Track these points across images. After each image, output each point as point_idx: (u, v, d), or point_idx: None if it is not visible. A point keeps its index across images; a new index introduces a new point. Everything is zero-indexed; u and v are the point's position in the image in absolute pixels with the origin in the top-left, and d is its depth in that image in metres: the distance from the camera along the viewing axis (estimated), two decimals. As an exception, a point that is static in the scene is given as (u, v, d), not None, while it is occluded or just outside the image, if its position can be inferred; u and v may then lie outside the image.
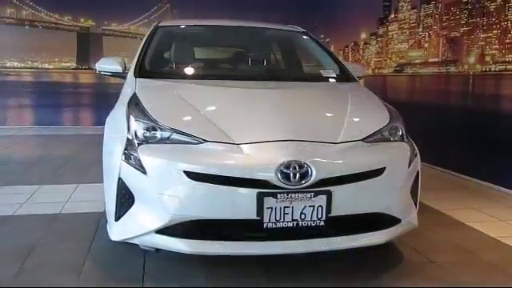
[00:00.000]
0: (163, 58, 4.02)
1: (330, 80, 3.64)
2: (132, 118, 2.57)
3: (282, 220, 2.29)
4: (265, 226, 2.28)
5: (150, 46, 3.74)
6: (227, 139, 2.40)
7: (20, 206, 3.65)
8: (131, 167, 2.39)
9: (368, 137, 2.58)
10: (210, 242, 2.34)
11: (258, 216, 2.25)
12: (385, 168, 2.43)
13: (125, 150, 2.45)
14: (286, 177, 2.23)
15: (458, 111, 24.14)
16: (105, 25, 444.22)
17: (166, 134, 2.44)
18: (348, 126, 2.64)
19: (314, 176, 2.26)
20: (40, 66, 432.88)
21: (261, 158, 2.32)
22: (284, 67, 4.41)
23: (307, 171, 2.26)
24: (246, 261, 2.56)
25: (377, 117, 2.83)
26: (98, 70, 3.72)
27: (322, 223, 2.32)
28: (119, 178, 2.42)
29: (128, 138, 2.48)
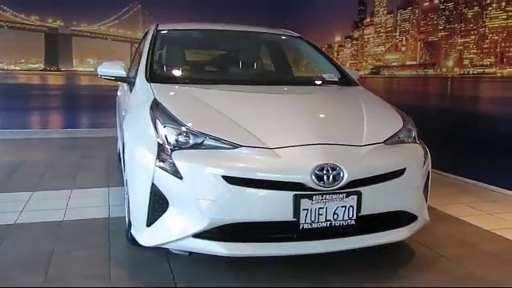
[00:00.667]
0: (172, 63, 4.09)
1: (336, 84, 3.78)
2: (160, 124, 2.63)
3: (316, 220, 2.42)
4: (301, 226, 2.40)
5: (156, 50, 3.79)
6: (261, 144, 2.51)
7: (19, 213, 3.62)
8: (166, 173, 2.45)
9: (388, 139, 2.77)
10: (247, 244, 2.44)
11: (294, 217, 2.38)
12: (405, 169, 2.63)
13: (157, 156, 2.50)
14: (320, 179, 2.37)
15: (437, 112, 24.58)
16: (74, 25, 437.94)
17: (198, 140, 2.52)
18: (368, 129, 2.81)
19: (346, 178, 2.41)
20: (5, 67, 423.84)
21: (296, 162, 2.45)
22: (290, 71, 4.52)
23: (339, 173, 2.41)
24: (272, 260, 2.64)
25: (392, 120, 3.03)
26: (99, 74, 3.77)
27: (353, 222, 2.47)
28: (152, 184, 2.48)
29: (159, 144, 2.54)
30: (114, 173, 5.12)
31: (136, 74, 3.58)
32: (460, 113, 22.53)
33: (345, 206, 2.46)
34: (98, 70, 3.82)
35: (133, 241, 2.82)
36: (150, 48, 3.78)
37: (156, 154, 2.52)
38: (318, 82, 3.94)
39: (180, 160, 2.46)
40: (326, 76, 3.93)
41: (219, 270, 2.67)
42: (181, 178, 2.42)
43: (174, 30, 4.35)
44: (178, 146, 2.53)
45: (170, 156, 2.49)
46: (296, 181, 2.40)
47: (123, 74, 3.67)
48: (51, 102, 30.03)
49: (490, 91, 57.89)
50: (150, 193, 2.51)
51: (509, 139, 12.87)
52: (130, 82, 3.70)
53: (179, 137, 2.55)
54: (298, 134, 2.65)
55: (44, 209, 3.77)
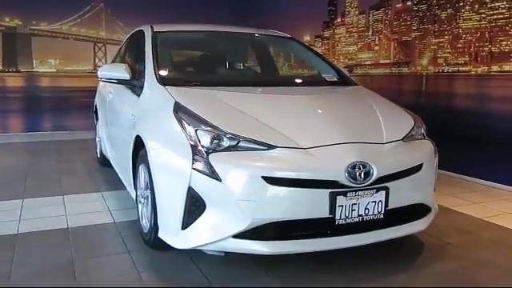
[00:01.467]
0: (181, 65, 4.23)
1: (337, 84, 3.96)
2: (190, 127, 2.68)
3: (350, 216, 2.59)
4: (336, 222, 2.57)
5: (159, 52, 3.77)
6: (294, 144, 2.64)
7: (18, 222, 3.57)
8: (203, 175, 2.52)
9: (405, 137, 2.99)
10: (286, 241, 2.57)
11: (330, 214, 2.54)
12: (422, 164, 2.87)
13: (193, 159, 2.56)
14: (353, 176, 2.55)
15: (411, 108, 25.33)
16: (33, 24, 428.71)
17: (233, 142, 2.60)
18: (386, 128, 3.00)
19: (375, 174, 2.60)
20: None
21: (330, 161, 2.60)
22: (294, 72, 4.69)
23: (369, 170, 2.59)
24: (297, 256, 2.71)
25: (403, 118, 3.26)
26: (100, 77, 3.83)
27: (382, 216, 2.67)
28: (189, 187, 2.55)
29: (193, 147, 2.60)
30: (98, 177, 5.09)
31: (142, 77, 3.57)
32: (434, 108, 22.92)
33: (375, 201, 2.64)
34: (99, 72, 3.84)
35: (152, 244, 2.96)
36: (153, 50, 3.76)
37: (191, 157, 2.57)
38: (323, 82, 4.05)
39: (218, 162, 2.53)
40: (326, 76, 4.08)
41: (248, 268, 2.77)
42: (220, 179, 2.50)
43: (172, 31, 4.34)
44: (213, 149, 2.59)
45: (207, 159, 2.55)
46: (331, 179, 2.54)
47: (126, 76, 3.67)
48: (11, 104, 29.15)
49: (465, 88, 61.13)
50: (187, 196, 2.57)
51: (483, 133, 13.65)
52: (133, 85, 3.71)
53: (214, 139, 2.61)
54: (325, 134, 2.78)
55: (43, 216, 3.72)
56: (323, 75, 4.18)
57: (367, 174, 2.61)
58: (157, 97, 3.30)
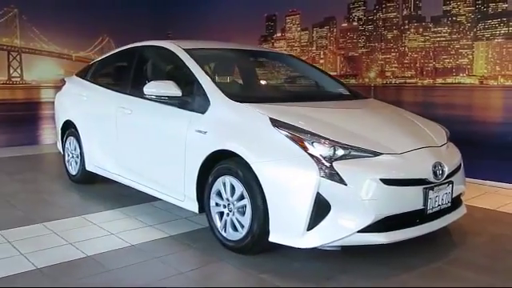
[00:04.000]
0: (235, 83, 4.77)
1: (354, 97, 4.53)
2: (305, 140, 3.16)
3: (435, 206, 3.35)
4: (427, 212, 3.30)
5: (207, 69, 4.09)
6: (391, 150, 3.27)
7: (70, 246, 3.58)
8: (330, 181, 3.02)
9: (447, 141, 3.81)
10: (396, 231, 3.19)
11: (423, 206, 3.25)
12: (461, 161, 3.70)
13: (319, 168, 3.03)
14: (435, 174, 3.30)
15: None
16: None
17: (346, 151, 3.13)
18: (432, 133, 3.83)
19: (447, 171, 3.38)
20: None
21: (420, 163, 3.34)
22: (323, 87, 4.99)
23: (443, 168, 3.36)
24: (369, 248, 3.26)
25: (434, 125, 4.05)
26: (147, 93, 4.06)
27: (449, 204, 3.46)
28: (317, 193, 3.01)
29: (314, 158, 3.08)
30: (97, 195, 5.02)
31: (199, 94, 3.82)
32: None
33: (446, 193, 3.40)
34: (145, 89, 4.01)
35: (248, 250, 3.37)
36: (201, 67, 4.02)
37: (316, 166, 3.03)
38: (348, 96, 4.55)
39: (343, 169, 3.04)
40: (341, 90, 4.66)
41: (325, 264, 3.29)
42: (346, 184, 3.01)
43: (199, 48, 4.55)
44: (332, 158, 3.08)
45: (332, 167, 3.04)
46: (423, 177, 3.26)
47: (178, 93, 3.88)
48: None
49: (410, 96, 71.01)
50: (314, 201, 3.01)
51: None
52: (183, 101, 3.90)
53: (331, 150, 3.10)
54: (404, 141, 3.48)
55: (89, 238, 3.73)
56: (340, 89, 4.67)
57: (443, 172, 3.35)
58: (237, 113, 3.60)
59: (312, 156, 3.12)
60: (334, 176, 3.07)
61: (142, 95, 4.38)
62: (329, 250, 3.27)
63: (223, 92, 3.78)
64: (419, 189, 3.29)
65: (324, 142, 3.16)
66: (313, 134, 3.22)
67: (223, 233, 3.58)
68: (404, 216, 3.25)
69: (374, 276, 3.19)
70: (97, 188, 5.34)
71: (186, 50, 4.31)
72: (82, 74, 5.82)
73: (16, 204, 4.78)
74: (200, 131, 3.71)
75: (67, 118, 5.67)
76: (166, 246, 3.67)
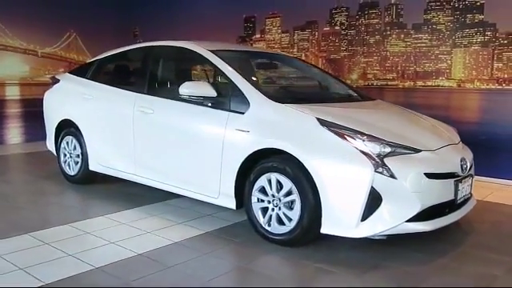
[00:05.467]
0: (266, 84, 5.07)
1: (363, 98, 4.78)
2: (356, 139, 3.40)
3: (461, 197, 3.76)
4: (457, 202, 3.70)
5: (238, 71, 4.16)
6: (426, 147, 3.61)
7: (113, 246, 3.63)
8: (383, 176, 3.29)
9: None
10: (434, 220, 3.51)
11: (454, 196, 3.63)
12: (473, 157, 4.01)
13: (373, 164, 3.29)
14: (462, 168, 3.71)
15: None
16: None
17: (392, 149, 3.41)
18: (448, 132, 4.22)
19: (469, 165, 3.82)
20: None
21: (450, 158, 3.74)
22: (337, 89, 5.14)
23: (466, 163, 3.80)
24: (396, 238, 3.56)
25: (446, 124, 4.43)
26: (183, 94, 4.18)
27: (470, 195, 3.92)
28: (372, 187, 3.27)
29: (367, 155, 3.34)
30: (97, 194, 5.09)
31: (235, 95, 3.94)
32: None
33: (468, 185, 3.84)
34: (181, 90, 4.12)
35: (287, 243, 3.62)
36: (233, 68, 4.14)
37: (370, 162, 3.29)
38: (360, 98, 4.80)
39: (393, 165, 3.33)
40: (350, 92, 4.90)
41: (367, 253, 3.59)
42: (396, 178, 3.30)
43: (222, 50, 4.61)
44: (380, 155, 3.35)
45: (383, 163, 3.32)
46: (454, 171, 3.65)
47: (214, 94, 3.99)
48: None
49: (393, 97, 71.91)
50: (369, 194, 3.26)
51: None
52: (218, 102, 4.02)
53: (380, 147, 3.37)
54: (433, 139, 3.86)
55: (127, 237, 3.80)
56: (349, 91, 4.92)
57: (466, 166, 3.76)
58: (280, 114, 3.77)
59: (364, 153, 3.37)
60: (386, 171, 3.33)
61: (164, 95, 4.59)
62: (375, 239, 3.51)
63: (262, 93, 3.93)
64: (451, 182, 3.66)
65: (374, 140, 3.42)
66: (361, 133, 3.47)
67: (267, 227, 3.74)
68: (439, 206, 3.60)
69: (416, 262, 3.51)
70: (99, 188, 5.40)
71: (212, 52, 4.41)
72: (81, 73, 5.75)
73: (24, 206, 4.75)
74: (242, 130, 3.85)
75: (65, 118, 5.63)
76: (208, 241, 3.76)
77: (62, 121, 5.72)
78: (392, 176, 3.34)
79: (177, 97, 4.37)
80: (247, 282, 3.19)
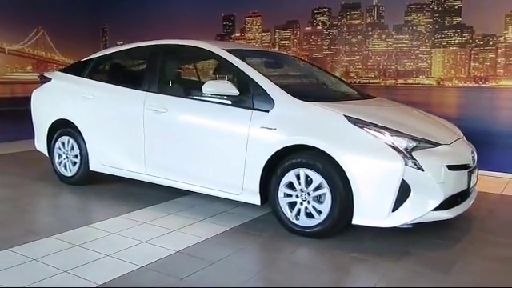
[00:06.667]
0: (286, 83, 4.72)
1: (365, 97, 4.94)
2: (386, 135, 3.62)
3: (472, 186, 4.01)
4: (469, 191, 3.97)
5: (259, 70, 4.28)
6: (443, 141, 3.85)
7: (144, 244, 3.65)
8: (412, 169, 3.49)
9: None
10: (452, 208, 3.77)
11: (467, 186, 3.87)
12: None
13: (403, 158, 3.50)
14: (472, 160, 3.96)
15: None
16: None
17: (416, 143, 3.64)
18: (451, 127, 4.47)
19: (476, 158, 4.03)
20: None
21: (464, 151, 4.00)
22: (341, 88, 5.23)
23: (474, 155, 4.04)
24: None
25: (446, 120, 4.64)
26: (207, 92, 4.22)
27: (475, 186, 4.08)
28: (402, 179, 3.47)
29: (397, 149, 3.56)
30: (101, 195, 5.04)
31: (258, 93, 4.03)
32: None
33: (476, 175, 4.05)
34: (204, 88, 4.16)
35: (316, 235, 3.80)
36: (253, 68, 4.25)
37: (400, 156, 3.50)
38: (362, 96, 4.97)
39: (421, 158, 3.55)
40: (351, 90, 5.08)
41: (395, 240, 3.80)
42: (423, 170, 3.51)
43: (237, 50, 4.64)
44: (407, 149, 3.56)
45: (412, 157, 3.53)
46: (467, 163, 3.88)
47: (236, 92, 4.07)
48: None
49: (376, 95, 79.42)
50: (400, 186, 3.46)
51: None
52: (241, 100, 4.09)
53: (407, 142, 3.59)
54: (444, 133, 4.08)
55: (155, 236, 3.82)
56: (350, 90, 5.09)
57: (475, 158, 3.99)
58: (306, 111, 3.90)
59: (394, 148, 3.55)
60: (415, 164, 3.53)
61: (178, 94, 4.61)
62: (403, 228, 3.66)
63: (287, 92, 4.03)
64: (465, 172, 3.88)
65: (400, 136, 3.62)
66: (388, 129, 3.66)
67: (295, 221, 3.85)
68: (456, 195, 3.82)
69: (439, 248, 3.75)
70: (99, 189, 5.30)
71: (230, 51, 4.43)
72: (76, 71, 5.59)
73: (30, 209, 4.67)
74: (268, 128, 3.93)
75: (60, 117, 5.45)
76: (238, 237, 3.80)
77: (56, 121, 5.55)
78: (420, 168, 3.58)
79: (193, 95, 4.48)
80: (297, 273, 3.28)
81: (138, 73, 5.46)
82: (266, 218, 4.32)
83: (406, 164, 3.51)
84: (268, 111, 3.98)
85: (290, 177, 3.87)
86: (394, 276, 3.22)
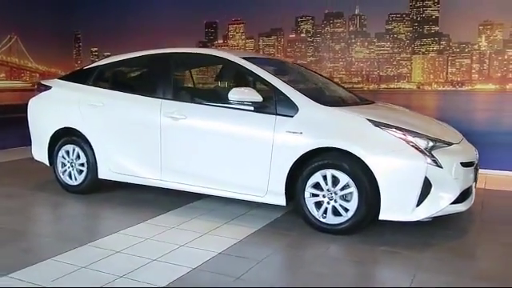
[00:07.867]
0: (306, 89, 4.81)
1: (366, 102, 4.90)
2: (408, 136, 3.79)
3: (476, 182, 4.16)
4: (475, 186, 4.11)
5: (278, 77, 4.34)
6: (454, 141, 4.05)
7: (182, 247, 3.64)
8: (433, 166, 3.67)
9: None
10: (466, 201, 3.94)
11: (473, 182, 4.04)
12: None
13: (426, 156, 3.68)
14: (476, 158, 4.10)
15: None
16: None
17: (434, 143, 3.82)
18: (451, 129, 4.55)
19: (477, 157, 4.18)
20: None
21: (470, 149, 4.20)
22: (344, 94, 5.27)
23: (477, 154, 4.20)
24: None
25: (443, 123, 4.73)
26: (232, 99, 4.21)
27: (475, 183, 4.16)
28: (425, 177, 3.64)
29: (418, 149, 3.73)
30: (115, 202, 4.92)
31: (282, 99, 4.09)
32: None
33: (478, 172, 4.19)
34: (230, 96, 4.16)
35: (342, 231, 3.93)
36: (273, 75, 4.32)
37: (423, 155, 3.67)
38: (363, 101, 4.91)
39: (439, 157, 3.72)
40: (351, 95, 5.11)
41: (414, 232, 3.98)
42: (442, 167, 3.68)
43: (249, 58, 4.66)
44: (427, 149, 3.73)
45: (432, 155, 3.70)
46: (474, 160, 4.02)
47: (260, 99, 4.10)
48: None
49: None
50: (423, 182, 3.63)
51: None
52: (264, 106, 4.13)
53: (427, 142, 3.76)
54: (451, 134, 4.25)
55: (189, 240, 3.81)
56: (349, 95, 5.13)
57: (478, 156, 4.10)
58: (331, 116, 4.02)
59: (416, 148, 3.73)
60: (435, 162, 3.72)
61: (197, 101, 4.63)
62: (417, 222, 3.80)
63: (310, 98, 4.11)
64: (472, 169, 4.07)
65: (420, 136, 3.81)
66: (409, 131, 3.84)
67: (322, 219, 3.96)
68: (466, 190, 4.00)
69: (455, 237, 3.99)
70: (107, 196, 5.13)
71: (247, 59, 4.45)
72: (79, 79, 5.40)
73: (48, 219, 4.64)
74: (293, 132, 4.00)
75: (64, 126, 5.26)
76: (268, 237, 3.85)
77: (59, 130, 5.34)
78: (439, 166, 3.75)
79: (211, 101, 4.50)
80: (341, 266, 3.39)
81: (151, 80, 5.24)
82: (286, 218, 4.40)
83: (428, 162, 3.71)
84: (292, 116, 4.05)
85: (316, 177, 3.97)
86: (426, 265, 3.38)
